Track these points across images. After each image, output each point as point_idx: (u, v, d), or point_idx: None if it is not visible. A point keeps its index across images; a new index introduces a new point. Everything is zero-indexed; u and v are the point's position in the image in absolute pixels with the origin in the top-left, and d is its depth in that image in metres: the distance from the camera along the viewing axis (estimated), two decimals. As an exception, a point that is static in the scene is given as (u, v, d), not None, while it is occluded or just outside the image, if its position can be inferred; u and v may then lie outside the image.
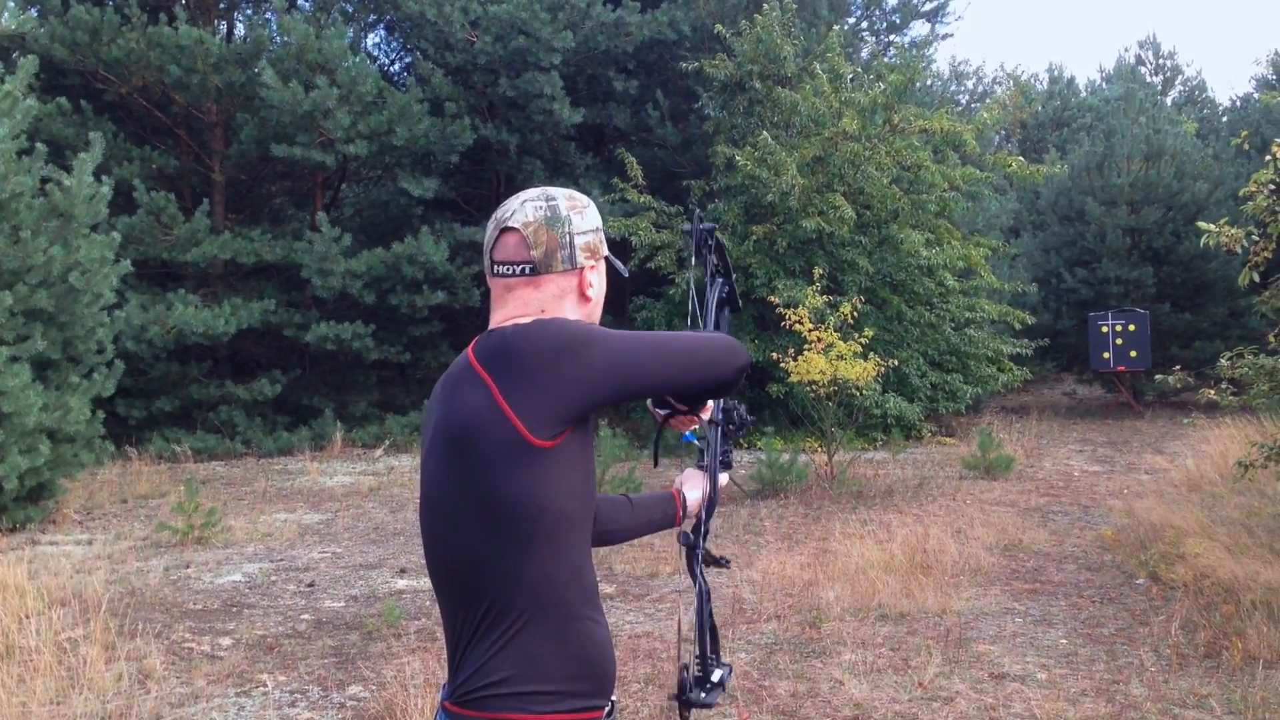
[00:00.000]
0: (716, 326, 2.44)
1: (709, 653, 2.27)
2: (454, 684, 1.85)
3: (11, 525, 9.74)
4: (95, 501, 11.39)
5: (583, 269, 2.02)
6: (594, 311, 2.06)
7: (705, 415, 2.22)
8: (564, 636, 1.85)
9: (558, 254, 1.98)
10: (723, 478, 2.45)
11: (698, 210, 2.51)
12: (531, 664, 1.81)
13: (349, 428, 16.15)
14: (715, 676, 2.25)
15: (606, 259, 2.12)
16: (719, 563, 2.41)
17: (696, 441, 2.38)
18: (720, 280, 2.49)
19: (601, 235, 2.09)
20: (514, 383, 1.80)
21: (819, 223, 14.59)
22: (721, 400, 2.39)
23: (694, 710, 2.18)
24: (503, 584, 1.83)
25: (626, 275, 2.18)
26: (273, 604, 7.23)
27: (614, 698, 1.99)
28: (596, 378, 1.82)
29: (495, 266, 1.99)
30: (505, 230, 1.99)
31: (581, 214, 2.03)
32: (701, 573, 2.28)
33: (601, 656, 1.91)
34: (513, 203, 2.02)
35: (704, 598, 2.26)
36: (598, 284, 2.06)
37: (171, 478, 12.79)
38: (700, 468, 2.46)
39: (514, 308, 1.98)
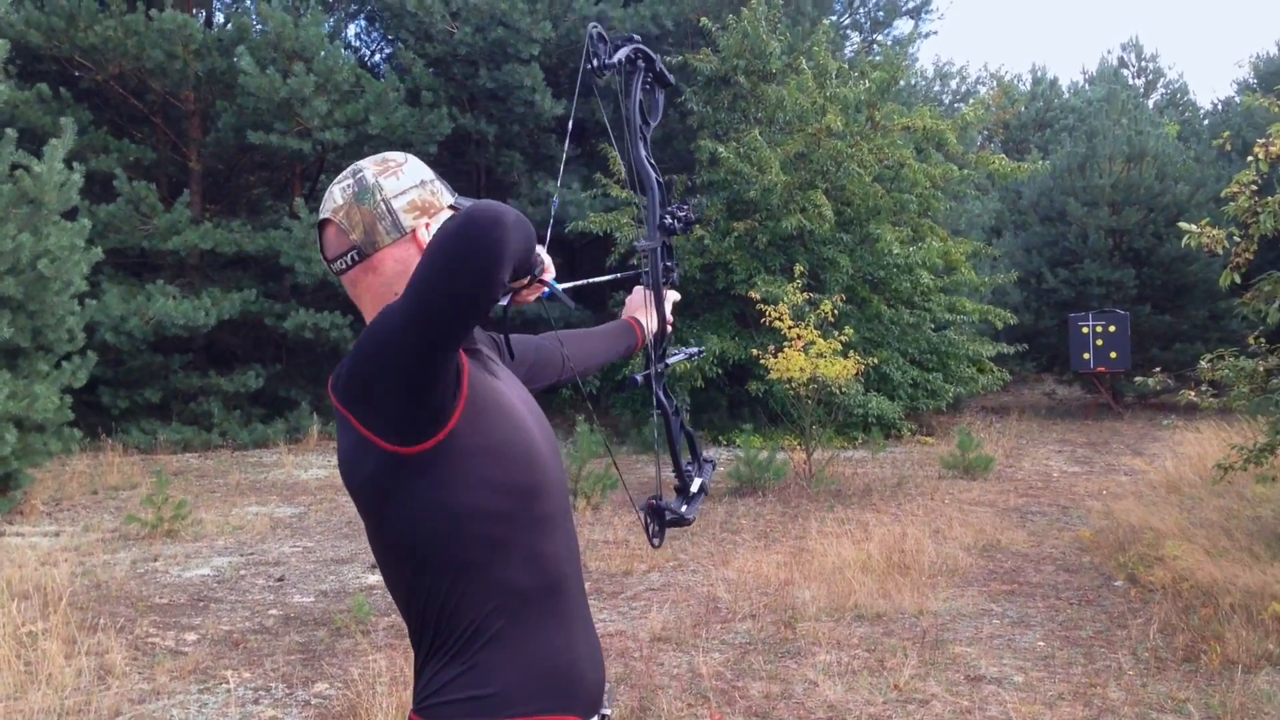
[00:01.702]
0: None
1: (684, 465, 2.32)
2: (414, 692, 1.78)
3: (-23, 516, 9.59)
4: (65, 492, 11.23)
5: (415, 230, 1.83)
6: None
7: (548, 275, 1.85)
8: (516, 645, 1.74)
9: (378, 226, 1.81)
10: (673, 295, 2.47)
11: (594, 26, 2.24)
12: (484, 673, 1.71)
13: (325, 420, 15.99)
14: (694, 486, 2.31)
15: (455, 207, 1.91)
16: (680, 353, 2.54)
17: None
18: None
19: (435, 186, 1.88)
20: (362, 401, 1.68)
21: (800, 220, 14.52)
22: (658, 216, 2.30)
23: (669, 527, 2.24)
24: (439, 614, 1.74)
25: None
26: (240, 599, 7.11)
27: (605, 711, 1.89)
28: (400, 332, 1.59)
29: (330, 266, 1.86)
30: (321, 225, 1.86)
31: (396, 174, 1.85)
32: (666, 392, 2.30)
33: (565, 665, 1.79)
34: (326, 195, 1.87)
35: (671, 415, 2.30)
36: None
37: (143, 469, 12.62)
38: (644, 286, 2.45)
39: (370, 304, 1.84)
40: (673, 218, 2.31)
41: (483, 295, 1.53)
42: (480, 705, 1.70)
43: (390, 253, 1.81)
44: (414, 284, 1.57)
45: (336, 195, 1.84)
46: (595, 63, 2.20)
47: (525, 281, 1.75)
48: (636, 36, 2.34)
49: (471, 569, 1.72)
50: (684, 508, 2.23)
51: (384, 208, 1.81)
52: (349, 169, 1.89)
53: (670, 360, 2.40)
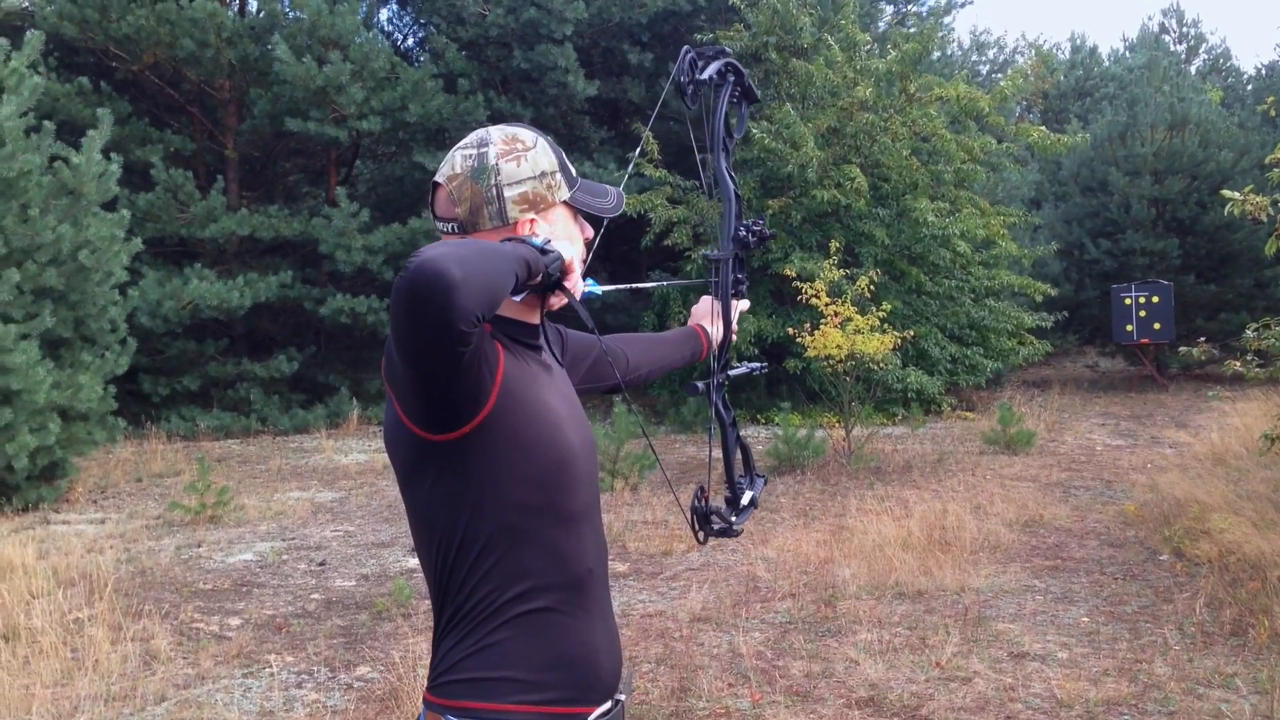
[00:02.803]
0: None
1: (737, 478, 2.32)
2: (430, 668, 1.79)
3: (24, 505, 9.71)
4: (110, 480, 11.36)
5: (518, 223, 1.81)
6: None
7: (571, 280, 1.75)
8: (532, 632, 1.74)
9: (484, 210, 1.80)
10: (742, 305, 2.45)
11: (687, 51, 2.24)
12: (497, 654, 1.72)
13: (365, 405, 16.10)
14: (745, 499, 2.30)
15: (572, 205, 1.91)
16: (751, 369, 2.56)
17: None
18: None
19: (554, 179, 1.86)
20: (394, 385, 1.69)
21: (834, 195, 14.39)
22: (733, 227, 2.29)
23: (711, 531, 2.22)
24: (456, 593, 1.75)
25: (613, 213, 1.98)
26: (283, 583, 7.17)
27: (619, 696, 1.88)
28: (395, 353, 1.62)
29: (436, 223, 1.86)
30: (435, 185, 1.85)
31: (519, 160, 1.82)
32: (724, 402, 2.29)
33: (583, 655, 1.79)
34: (449, 155, 1.86)
35: (729, 425, 2.29)
36: (548, 236, 1.81)
37: (186, 456, 12.76)
38: (712, 295, 2.45)
39: None
40: (748, 231, 2.30)
41: (449, 342, 1.49)
42: (489, 688, 1.70)
43: (488, 238, 1.78)
44: (390, 324, 1.56)
45: (456, 162, 1.82)
46: (684, 79, 2.20)
47: (539, 281, 1.67)
48: (728, 50, 2.34)
49: (493, 552, 1.72)
50: (734, 518, 2.23)
51: (494, 193, 1.79)
52: (477, 134, 1.87)
53: (732, 373, 2.39)
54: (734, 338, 2.41)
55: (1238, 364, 7.86)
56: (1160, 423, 14.19)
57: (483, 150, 1.82)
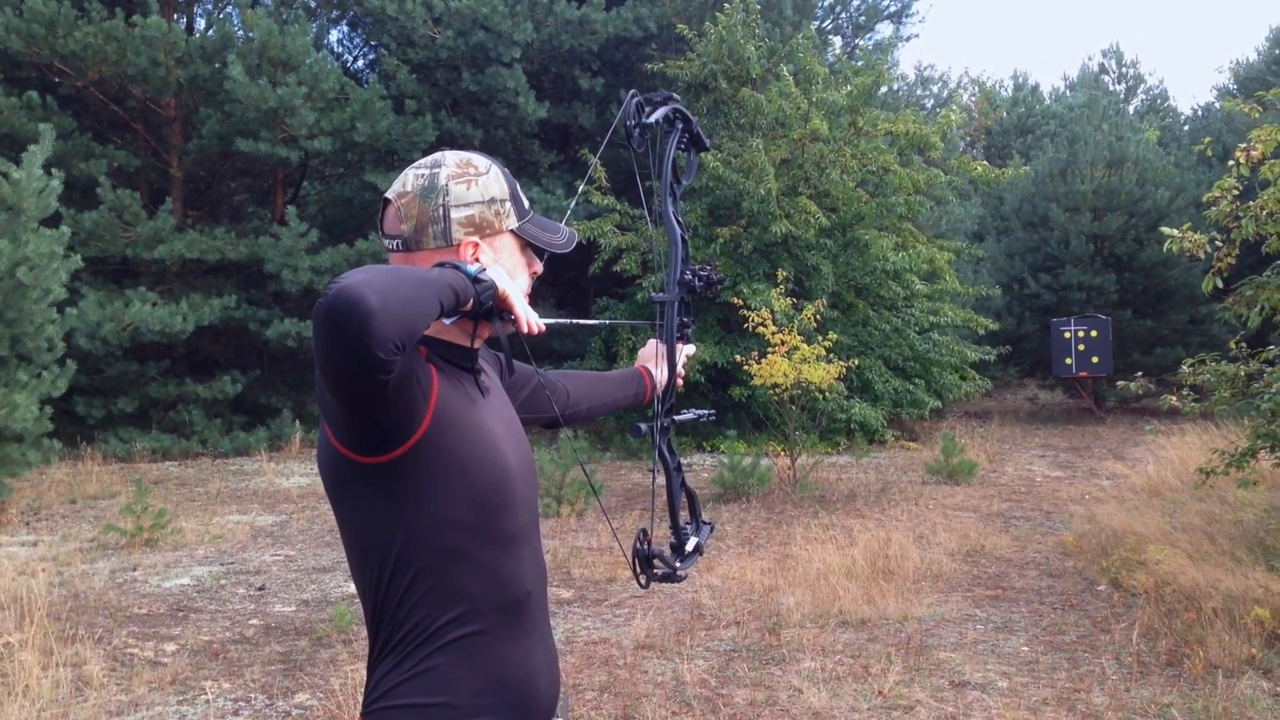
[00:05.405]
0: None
1: (682, 525, 2.29)
2: (365, 693, 1.77)
3: (-46, 526, 9.49)
4: (43, 502, 11.13)
5: (461, 245, 1.81)
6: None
7: (513, 303, 1.74)
8: (469, 655, 1.73)
9: (429, 229, 1.80)
10: (688, 349, 2.44)
11: (634, 95, 2.25)
12: (433, 679, 1.70)
13: (308, 428, 15.93)
14: (690, 545, 2.27)
15: (521, 236, 1.90)
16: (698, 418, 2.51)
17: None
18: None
19: (503, 207, 1.86)
20: (325, 404, 1.68)
21: (787, 226, 14.52)
22: (679, 271, 2.28)
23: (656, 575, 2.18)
24: (392, 616, 1.73)
25: (563, 250, 1.98)
26: (221, 608, 7.06)
27: (558, 719, 1.87)
28: (320, 377, 1.62)
29: (382, 239, 1.87)
30: (386, 201, 1.86)
31: (469, 183, 1.83)
32: (669, 447, 2.26)
33: (521, 678, 1.78)
34: (402, 173, 1.87)
35: (672, 470, 2.25)
36: (489, 262, 1.82)
37: (123, 478, 12.53)
38: (657, 339, 2.45)
39: None
40: (695, 276, 2.30)
41: (368, 369, 1.48)
42: (425, 714, 1.69)
43: (430, 257, 1.79)
44: (314, 350, 1.56)
45: (409, 181, 1.83)
46: (630, 123, 2.21)
47: (470, 309, 1.66)
48: (675, 96, 2.34)
49: (429, 573, 1.71)
50: (678, 564, 2.22)
51: (440, 213, 1.80)
52: (433, 157, 1.87)
53: (678, 418, 2.38)
54: (680, 382, 2.41)
55: (1174, 398, 8.01)
56: (1098, 455, 14.41)
57: (435, 171, 1.83)
